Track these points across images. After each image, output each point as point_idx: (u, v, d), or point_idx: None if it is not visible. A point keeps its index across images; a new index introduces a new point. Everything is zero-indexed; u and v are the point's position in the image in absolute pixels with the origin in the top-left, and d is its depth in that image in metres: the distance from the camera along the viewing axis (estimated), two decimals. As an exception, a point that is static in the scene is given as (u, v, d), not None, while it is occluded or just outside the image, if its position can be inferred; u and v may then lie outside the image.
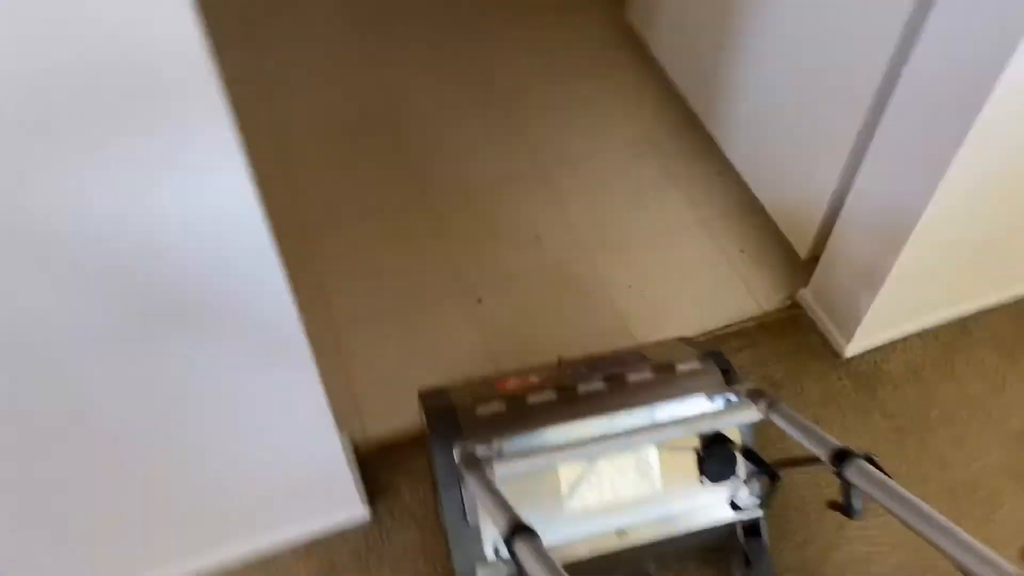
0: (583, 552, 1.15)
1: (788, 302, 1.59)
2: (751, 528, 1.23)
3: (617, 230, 1.71)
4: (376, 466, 1.38)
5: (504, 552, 0.90)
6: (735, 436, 1.18)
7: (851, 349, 1.50)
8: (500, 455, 1.07)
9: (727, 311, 1.59)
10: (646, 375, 1.22)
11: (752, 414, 1.10)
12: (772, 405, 1.07)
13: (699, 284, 1.63)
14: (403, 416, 1.43)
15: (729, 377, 1.21)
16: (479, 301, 1.60)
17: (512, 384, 1.24)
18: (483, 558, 1.13)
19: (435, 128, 1.89)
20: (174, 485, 1.11)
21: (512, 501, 0.91)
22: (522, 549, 0.83)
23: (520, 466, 1.05)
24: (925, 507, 0.82)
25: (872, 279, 1.36)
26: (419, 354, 1.52)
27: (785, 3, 1.40)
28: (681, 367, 1.23)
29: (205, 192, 0.75)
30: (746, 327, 1.56)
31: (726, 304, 1.60)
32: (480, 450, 1.07)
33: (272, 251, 0.85)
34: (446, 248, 1.67)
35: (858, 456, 0.91)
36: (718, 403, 1.17)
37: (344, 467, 1.24)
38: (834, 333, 1.51)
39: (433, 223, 1.71)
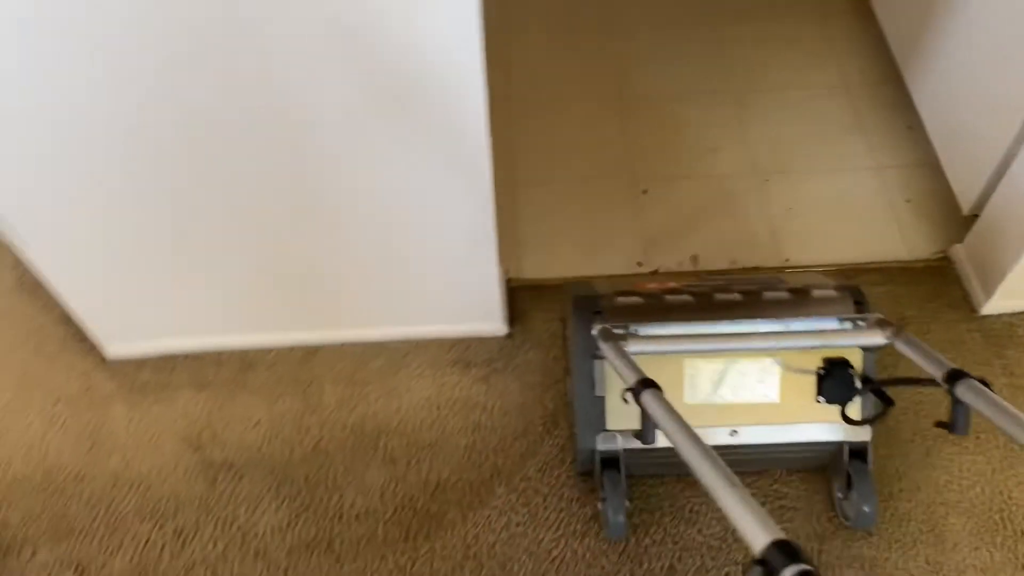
0: None
1: (940, 255, 1.64)
2: (858, 452, 1.30)
3: (792, 158, 1.81)
4: (520, 298, 1.61)
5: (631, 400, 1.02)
6: (857, 363, 1.25)
7: (989, 307, 1.53)
8: (634, 336, 1.20)
9: (877, 251, 1.66)
10: (781, 294, 1.31)
11: (876, 338, 1.14)
12: (897, 332, 1.13)
13: (857, 221, 1.70)
14: (551, 268, 1.65)
15: (861, 308, 1.26)
16: (644, 192, 1.77)
17: (652, 286, 1.38)
18: (604, 427, 1.28)
19: (643, 35, 2.05)
20: (369, 258, 1.39)
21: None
22: (648, 399, 0.97)
23: (650, 346, 1.18)
24: None
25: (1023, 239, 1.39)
26: (579, 223, 1.73)
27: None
28: (816, 292, 1.30)
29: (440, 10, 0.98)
30: (890, 268, 1.63)
31: (878, 245, 1.67)
32: (616, 328, 1.21)
33: (480, 80, 1.07)
34: (628, 140, 1.85)
35: (971, 376, 0.97)
36: (846, 326, 1.24)
37: (495, 287, 1.48)
38: (976, 289, 1.55)
39: (622, 116, 1.89)
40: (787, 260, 1.65)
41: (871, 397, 1.25)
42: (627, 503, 1.31)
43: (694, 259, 1.66)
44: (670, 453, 1.12)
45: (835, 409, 1.26)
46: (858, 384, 1.24)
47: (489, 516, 1.37)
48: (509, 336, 1.56)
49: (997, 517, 1.33)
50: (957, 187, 1.63)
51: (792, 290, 1.31)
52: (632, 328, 1.22)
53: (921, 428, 1.43)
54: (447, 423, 1.47)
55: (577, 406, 1.29)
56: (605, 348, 1.17)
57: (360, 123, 1.14)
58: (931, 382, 1.02)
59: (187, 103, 1.09)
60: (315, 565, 1.33)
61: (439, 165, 1.22)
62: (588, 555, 1.32)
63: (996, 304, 1.52)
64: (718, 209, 1.74)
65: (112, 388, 1.52)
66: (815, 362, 1.25)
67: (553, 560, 1.32)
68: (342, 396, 1.50)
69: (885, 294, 1.59)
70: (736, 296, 1.30)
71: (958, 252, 1.61)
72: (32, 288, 1.64)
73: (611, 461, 1.30)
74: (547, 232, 1.71)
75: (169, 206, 1.27)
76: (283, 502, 1.39)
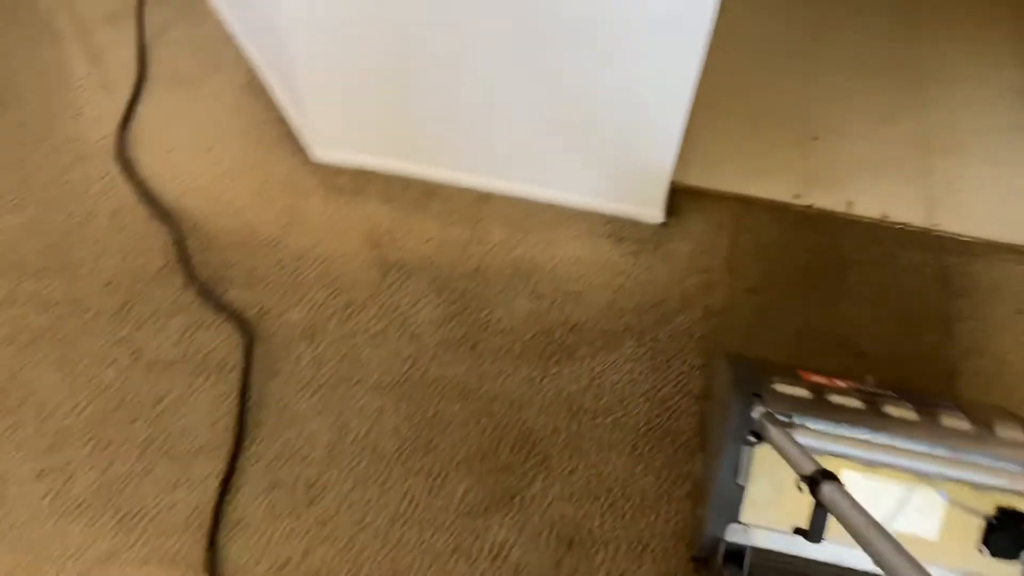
0: (832, 559, 1.18)
1: (1089, 254, 1.69)
2: None
3: (963, 142, 1.88)
4: (680, 198, 1.74)
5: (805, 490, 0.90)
6: None
7: None
8: (802, 427, 1.13)
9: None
10: (962, 423, 1.21)
11: None
12: None
13: (1014, 207, 1.77)
14: (714, 180, 1.78)
15: None
16: (815, 138, 1.88)
17: (816, 379, 1.29)
18: (737, 518, 1.18)
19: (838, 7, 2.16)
20: (566, 116, 1.56)
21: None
22: (830, 491, 0.86)
23: (818, 442, 1.10)
24: None
25: None
26: (750, 149, 1.85)
27: None
28: (1001, 431, 1.20)
29: None
30: (1037, 254, 1.69)
31: None
32: (780, 415, 1.14)
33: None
34: (813, 92, 1.96)
35: None
36: None
37: (665, 177, 1.62)
38: (1120, 287, 1.60)
39: (811, 72, 2.01)
40: (936, 224, 1.74)
41: None
42: None
43: (849, 204, 1.77)
44: (800, 561, 1.12)
45: (999, 565, 1.14)
46: None
47: (616, 360, 1.51)
48: (664, 225, 1.70)
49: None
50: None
51: (973, 419, 1.21)
52: (797, 419, 1.15)
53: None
54: (593, 279, 1.62)
55: (713, 490, 1.20)
56: (772, 433, 1.09)
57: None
58: None
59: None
60: (459, 358, 1.50)
61: (656, 48, 1.37)
62: (700, 412, 1.45)
63: None
64: (882, 168, 1.83)
65: (313, 184, 1.74)
66: (987, 508, 1.14)
67: (667, 408, 1.46)
68: (506, 236, 1.67)
69: (1026, 275, 1.66)
70: (912, 414, 1.21)
71: (1110, 252, 1.66)
72: (259, 89, 1.88)
73: (736, 555, 1.20)
74: (715, 150, 1.84)
75: (401, 34, 1.47)
76: (441, 304, 1.57)
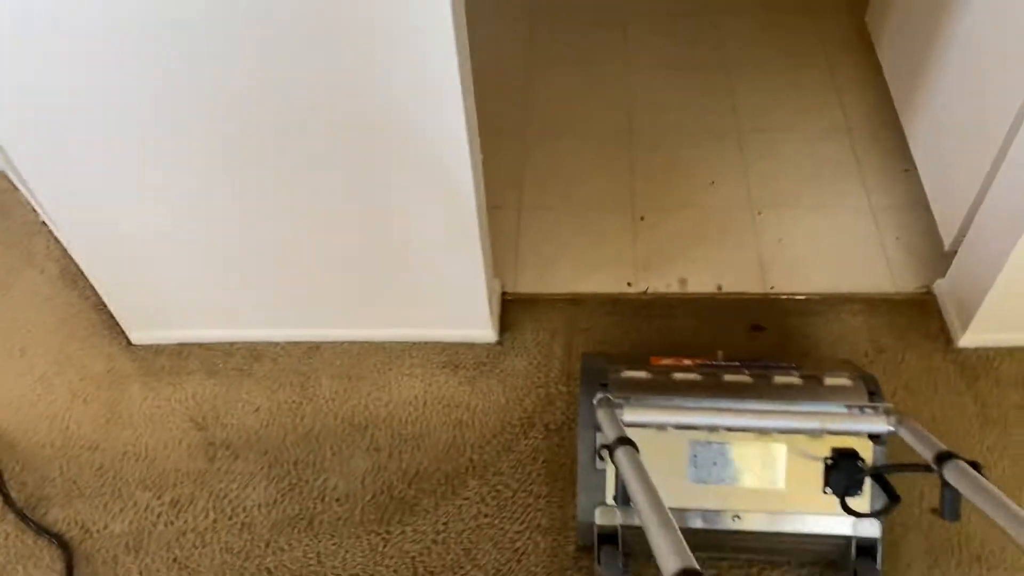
0: (697, 524, 1.25)
1: (923, 290, 1.67)
2: (866, 548, 1.25)
3: (788, 195, 1.88)
4: (514, 310, 1.70)
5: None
6: (867, 456, 1.22)
7: (965, 340, 1.56)
8: (631, 405, 1.20)
9: (862, 283, 1.70)
10: (792, 379, 1.30)
11: (879, 424, 1.15)
12: (901, 419, 1.13)
13: (845, 255, 1.76)
14: (546, 284, 1.74)
15: (875, 398, 1.24)
16: (641, 218, 1.86)
17: (664, 362, 1.37)
18: (604, 501, 1.26)
19: (659, 74, 2.16)
20: (368, 263, 1.51)
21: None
22: (621, 456, 0.96)
23: (647, 416, 1.18)
24: (1021, 512, 0.82)
25: (992, 273, 1.43)
26: (576, 245, 1.82)
27: (983, 9, 1.50)
28: (829, 379, 1.28)
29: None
30: (873, 299, 1.67)
31: (864, 277, 1.71)
32: (616, 399, 1.21)
33: (461, 119, 1.19)
34: (631, 171, 1.95)
35: (960, 458, 0.94)
36: (853, 412, 1.20)
37: (483, 298, 1.58)
38: (954, 322, 1.58)
39: (628, 149, 2.00)
40: (772, 288, 1.71)
41: (881, 493, 1.19)
42: None
43: (682, 282, 1.74)
44: None
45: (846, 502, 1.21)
46: (866, 481, 1.21)
47: (460, 506, 1.44)
48: (499, 343, 1.65)
49: None
50: (941, 224, 1.67)
51: (804, 376, 1.29)
52: (633, 399, 1.22)
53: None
54: (431, 419, 1.56)
55: (579, 477, 1.28)
56: (600, 415, 1.16)
57: (348, 139, 1.27)
58: (926, 468, 1.00)
59: (207, 101, 1.24)
60: (295, 540, 1.42)
61: (426, 186, 1.34)
62: (550, 549, 1.39)
63: (972, 338, 1.55)
64: (710, 237, 1.81)
65: (132, 370, 1.66)
66: (823, 451, 1.22)
67: (516, 550, 1.39)
68: (337, 389, 1.61)
69: (863, 322, 1.63)
70: (746, 378, 1.29)
71: (940, 287, 1.65)
72: (73, 278, 1.81)
73: (609, 537, 1.27)
74: (546, 251, 1.81)
75: (195, 210, 1.41)
76: (272, 481, 1.49)
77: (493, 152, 1.51)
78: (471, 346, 1.65)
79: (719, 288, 1.73)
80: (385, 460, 1.51)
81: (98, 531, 1.45)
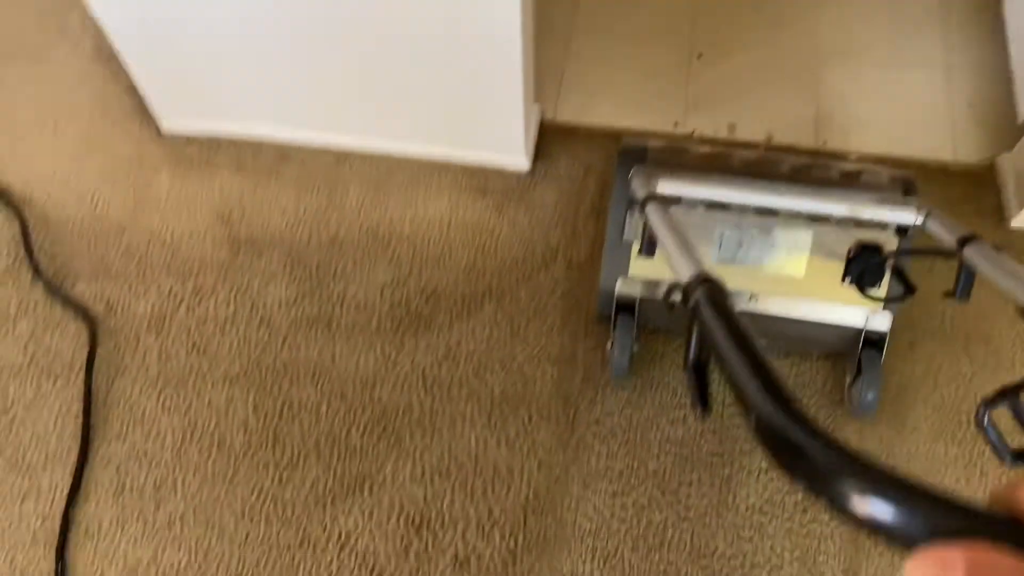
0: None
1: (986, 162, 1.57)
2: (875, 341, 1.30)
3: (859, 44, 1.74)
4: (551, 139, 1.64)
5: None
6: (890, 249, 1.24)
7: (1019, 221, 1.48)
8: (666, 176, 1.23)
9: (921, 148, 1.61)
10: (830, 172, 1.31)
11: (907, 215, 1.16)
12: (930, 213, 1.13)
13: (909, 117, 1.65)
14: (588, 115, 1.66)
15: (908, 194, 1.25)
16: (699, 56, 1.75)
17: (704, 149, 1.41)
18: (626, 273, 1.32)
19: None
20: (407, 68, 1.44)
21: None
22: (652, 209, 1.00)
23: (680, 187, 1.22)
24: None
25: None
26: (626, 77, 1.72)
27: None
28: (867, 176, 1.30)
29: None
30: (930, 166, 1.58)
31: (924, 142, 1.61)
32: (653, 176, 1.22)
33: None
34: (694, 4, 1.81)
35: (982, 240, 0.96)
36: (885, 203, 1.21)
37: (519, 123, 1.50)
38: (1011, 201, 1.49)
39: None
40: (824, 143, 1.62)
41: (898, 287, 1.23)
42: (634, 348, 1.34)
43: (731, 127, 1.65)
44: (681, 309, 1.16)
45: (858, 296, 1.25)
46: (886, 276, 1.24)
47: (474, 327, 1.45)
48: (531, 173, 1.61)
49: (964, 418, 1.34)
50: (1020, 95, 1.55)
51: (843, 172, 1.30)
52: (669, 177, 1.23)
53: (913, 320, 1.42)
54: (454, 240, 1.54)
55: (605, 249, 1.33)
56: (635, 183, 1.19)
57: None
58: (947, 253, 1.01)
59: None
60: (311, 339, 1.45)
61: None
62: (557, 377, 1.40)
63: (1027, 219, 1.47)
64: (768, 83, 1.70)
65: (161, 157, 1.65)
66: (848, 243, 1.25)
67: (523, 375, 1.41)
68: (364, 200, 1.59)
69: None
70: (784, 168, 1.31)
71: (1004, 161, 1.54)
72: (108, 57, 1.76)
73: (627, 306, 1.34)
74: (593, 80, 1.72)
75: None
76: (294, 281, 1.51)
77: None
78: (502, 173, 1.61)
79: (769, 138, 1.64)
80: (405, 275, 1.51)
81: (122, 309, 1.49)
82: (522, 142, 1.56)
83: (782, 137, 1.63)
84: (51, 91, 1.75)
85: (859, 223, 1.23)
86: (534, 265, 1.51)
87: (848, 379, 1.35)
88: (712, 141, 1.64)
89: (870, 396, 1.28)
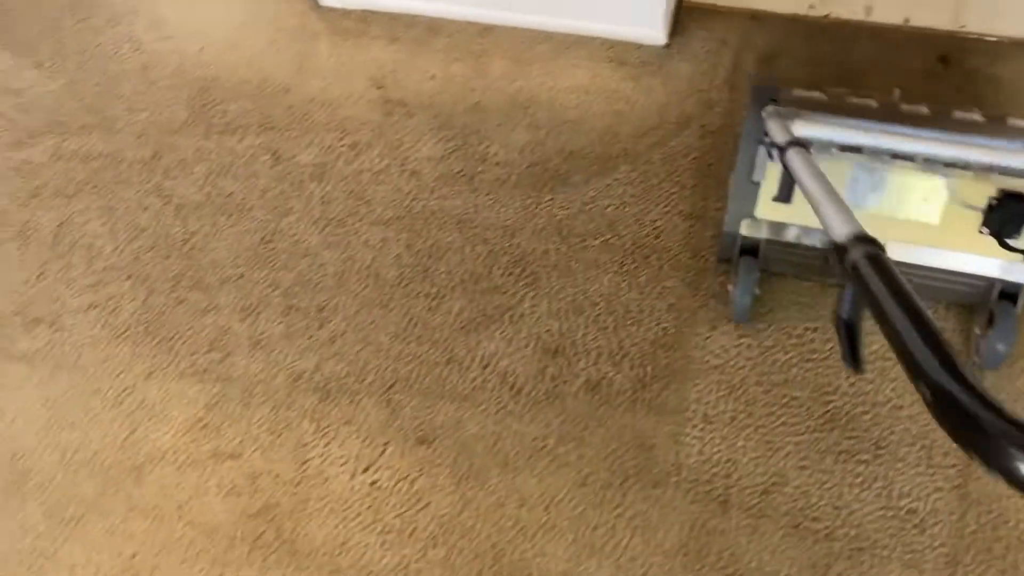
0: None
1: None
2: (1009, 293, 1.26)
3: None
4: (691, 15, 1.69)
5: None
6: None
7: None
8: (801, 117, 1.20)
9: (1066, 34, 1.59)
10: (974, 116, 1.26)
11: None
12: None
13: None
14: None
15: None
16: (838, -58, 1.76)
17: (839, 90, 1.34)
18: (752, 214, 1.30)
19: None
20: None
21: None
22: (793, 155, 0.99)
23: (814, 129, 1.19)
24: None
25: None
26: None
27: None
28: (1013, 120, 1.23)
29: None
30: (1074, 51, 1.57)
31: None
32: (791, 117, 1.20)
33: None
34: None
35: None
36: None
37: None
38: None
39: None
40: (963, 26, 1.63)
41: None
42: (755, 291, 1.34)
43: (868, 9, 1.67)
44: (808, 253, 1.15)
45: (995, 246, 1.20)
46: None
47: (609, 184, 1.54)
48: (667, 46, 1.67)
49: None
50: None
51: (987, 115, 1.25)
52: (805, 113, 1.21)
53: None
54: (591, 106, 1.63)
55: (730, 189, 1.31)
56: (770, 124, 1.17)
57: None
58: None
59: None
60: (456, 191, 1.57)
61: None
62: (687, 231, 1.48)
63: None
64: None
65: (320, 28, 1.79)
66: (989, 191, 1.20)
67: (655, 228, 1.49)
68: (507, 69, 1.69)
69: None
70: (923, 109, 1.25)
71: None
72: (270, -61, 1.91)
73: (751, 249, 1.33)
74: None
75: None
76: (440, 140, 1.63)
77: None
78: (639, 46, 1.68)
79: (906, 20, 1.65)
80: (543, 137, 1.61)
81: (287, 159, 1.64)
82: (661, 15, 1.62)
83: (919, 20, 1.64)
84: (221, -31, 1.91)
85: (1003, 171, 1.18)
86: (668, 131, 1.58)
87: (977, 331, 1.32)
88: (846, 24, 1.67)
89: (1001, 348, 1.25)
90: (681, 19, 1.69)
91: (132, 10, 1.87)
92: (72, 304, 1.53)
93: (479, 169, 1.59)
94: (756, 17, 1.69)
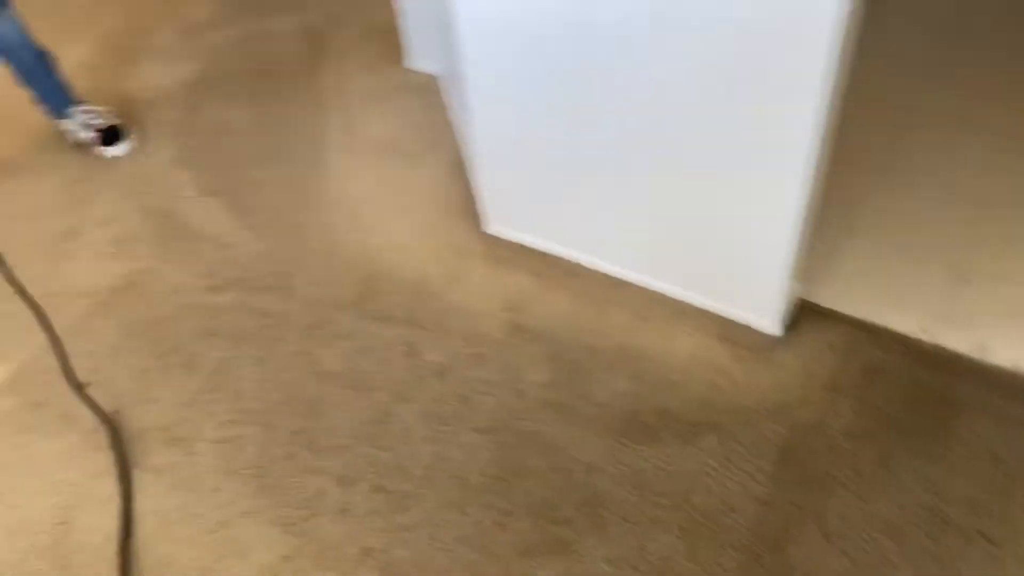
0: None
1: None
2: None
3: None
4: (806, 313, 1.83)
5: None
6: None
7: None
8: None
9: None
10: None
11: None
12: None
13: None
14: (845, 302, 1.84)
15: None
16: (967, 282, 1.86)
17: None
18: None
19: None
20: (690, 228, 1.74)
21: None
22: None
23: None
24: None
25: None
26: (886, 268, 1.88)
27: None
28: None
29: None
30: None
31: None
32: None
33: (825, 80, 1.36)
34: (989, 226, 1.95)
35: None
36: None
37: (779, 294, 1.73)
38: None
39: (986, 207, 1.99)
40: (1078, 386, 1.65)
41: None
42: None
43: (981, 348, 1.73)
44: None
45: None
46: None
47: (694, 451, 1.64)
48: (778, 338, 1.80)
49: None
50: None
51: None
52: None
53: None
54: (695, 373, 1.76)
55: None
56: None
57: (705, 104, 1.50)
58: None
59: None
60: (553, 419, 1.72)
61: (761, 185, 1.54)
62: (756, 515, 1.53)
63: None
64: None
65: (479, 250, 2.07)
66: None
67: (726, 503, 1.56)
68: (626, 321, 1.87)
69: None
70: None
71: None
72: (460, 169, 2.27)
73: None
74: (853, 272, 1.90)
75: (565, 140, 1.75)
76: (551, 370, 1.80)
77: (844, 169, 1.64)
78: (752, 330, 1.82)
79: (1016, 365, 1.70)
80: (644, 390, 1.75)
81: (418, 354, 1.87)
82: (777, 309, 1.77)
83: (1034, 369, 1.69)
84: (415, 183, 2.27)
85: None
86: (761, 415, 1.68)
87: None
88: (955, 357, 1.73)
89: None
90: (796, 314, 1.82)
91: (337, 201, 2.25)
92: (208, 434, 1.77)
93: (579, 405, 1.74)
94: (868, 329, 1.80)
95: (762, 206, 1.59)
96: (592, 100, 1.66)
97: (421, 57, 2.60)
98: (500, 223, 2.09)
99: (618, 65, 1.56)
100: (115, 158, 2.49)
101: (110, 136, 2.48)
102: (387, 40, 2.71)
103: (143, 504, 1.67)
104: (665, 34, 1.46)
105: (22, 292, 2.09)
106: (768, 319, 1.80)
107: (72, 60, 2.84)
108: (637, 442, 1.67)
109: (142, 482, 1.71)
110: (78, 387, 1.88)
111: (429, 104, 2.50)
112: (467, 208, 2.17)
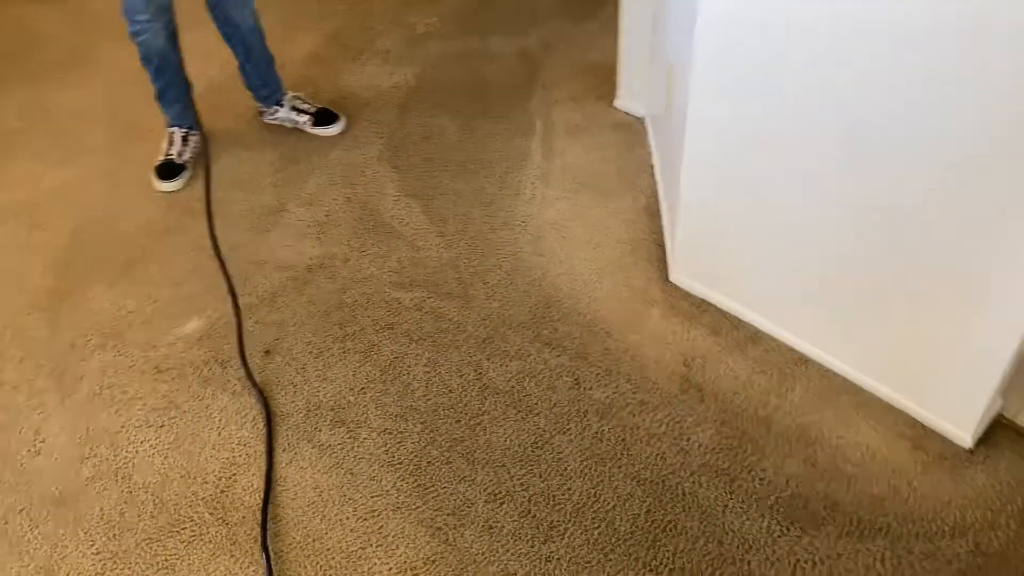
0: None
1: None
2: None
3: None
4: (1004, 432, 1.69)
5: None
6: None
7: None
8: None
9: None
10: None
11: None
12: None
13: None
14: (1053, 428, 1.69)
15: None
16: None
17: None
18: None
19: None
20: (888, 316, 1.65)
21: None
22: None
23: None
24: None
25: None
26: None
27: None
28: None
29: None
30: None
31: None
32: None
33: None
34: None
35: None
36: None
37: (981, 407, 1.60)
38: None
39: None
40: None
41: None
42: None
43: None
44: None
45: None
46: None
47: (859, 551, 1.54)
48: (970, 451, 1.67)
49: None
50: None
51: None
52: None
53: None
54: (872, 470, 1.66)
55: None
56: None
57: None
58: None
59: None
60: (713, 484, 1.67)
61: (974, 299, 1.43)
62: (921, 639, 1.42)
63: None
64: None
65: (660, 298, 2.05)
66: None
67: (889, 617, 1.45)
68: (806, 400, 1.80)
69: None
70: None
71: None
72: (653, 214, 2.26)
73: None
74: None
75: (764, 201, 1.70)
76: (719, 434, 1.75)
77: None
78: (941, 438, 1.70)
79: None
80: (814, 477, 1.66)
81: (583, 388, 1.87)
82: (973, 422, 1.64)
83: None
84: (605, 220, 2.28)
85: None
86: (939, 530, 1.56)
87: None
88: None
89: None
90: (994, 431, 1.69)
91: (524, 223, 2.30)
92: (374, 423, 1.84)
93: (743, 476, 1.68)
94: (1078, 464, 1.64)
95: (991, 314, 1.48)
96: (830, 168, 1.60)
97: (630, 97, 2.62)
98: (685, 274, 2.06)
99: (876, 136, 1.50)
100: (328, 138, 2.65)
101: (323, 118, 2.66)
102: (599, 76, 2.75)
103: (303, 477, 1.75)
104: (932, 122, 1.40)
105: (221, 258, 2.25)
106: (962, 429, 1.68)
107: (300, 51, 3.06)
108: (799, 529, 1.59)
109: (307, 456, 1.79)
110: (265, 353, 2.01)
111: (631, 144, 2.52)
112: (653, 254, 2.16)
